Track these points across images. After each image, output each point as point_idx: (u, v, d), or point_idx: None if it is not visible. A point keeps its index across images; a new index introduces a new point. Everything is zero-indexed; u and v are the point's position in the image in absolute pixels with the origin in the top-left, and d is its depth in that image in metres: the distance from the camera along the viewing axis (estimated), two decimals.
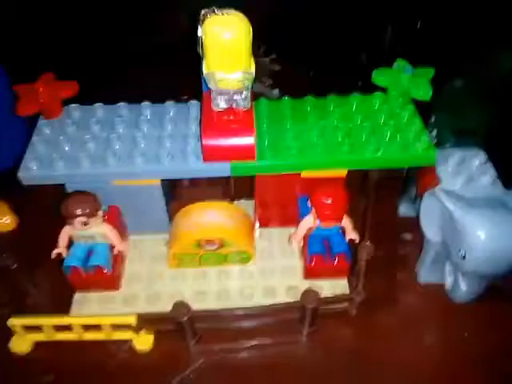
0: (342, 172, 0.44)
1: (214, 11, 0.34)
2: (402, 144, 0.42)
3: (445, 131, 0.57)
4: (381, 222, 0.51)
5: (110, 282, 0.45)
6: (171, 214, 0.48)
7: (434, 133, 0.58)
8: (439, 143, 0.56)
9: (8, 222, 0.53)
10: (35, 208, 0.53)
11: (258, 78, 0.39)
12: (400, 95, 0.44)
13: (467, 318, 0.46)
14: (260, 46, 0.54)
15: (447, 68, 0.55)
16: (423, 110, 0.45)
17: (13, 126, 0.55)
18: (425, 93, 0.43)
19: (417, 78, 0.44)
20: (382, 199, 0.54)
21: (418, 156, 0.42)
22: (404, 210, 0.53)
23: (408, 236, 0.52)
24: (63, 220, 0.44)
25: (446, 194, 0.40)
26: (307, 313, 0.43)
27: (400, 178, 0.51)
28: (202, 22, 0.34)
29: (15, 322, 0.42)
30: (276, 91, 0.64)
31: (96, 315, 0.42)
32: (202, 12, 0.34)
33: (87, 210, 0.41)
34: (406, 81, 0.43)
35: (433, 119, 0.58)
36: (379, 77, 0.44)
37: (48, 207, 0.52)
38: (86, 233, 0.43)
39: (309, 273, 0.46)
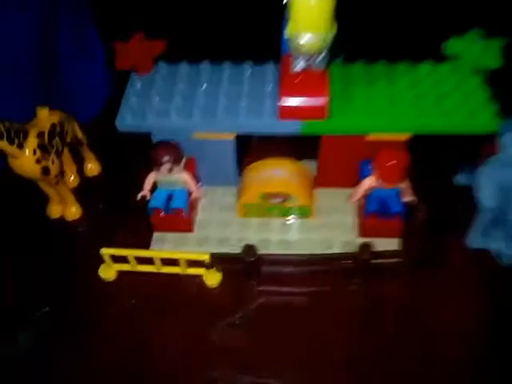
0: (405, 136, 0.47)
1: None
2: (468, 111, 0.44)
3: None
4: (438, 188, 0.54)
5: (186, 224, 0.50)
6: (241, 169, 0.52)
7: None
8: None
9: (93, 167, 0.60)
10: (118, 156, 0.59)
11: None
12: (471, 64, 0.46)
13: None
14: None
15: None
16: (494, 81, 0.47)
17: (100, 76, 0.62)
18: (496, 61, 0.44)
19: (488, 47, 0.45)
20: (440, 166, 0.56)
21: (483, 123, 0.44)
22: (461, 178, 0.55)
23: (462, 204, 0.54)
24: (142, 168, 0.50)
25: (505, 163, 0.42)
26: (360, 263, 0.47)
27: (461, 148, 0.53)
28: None
29: (105, 251, 0.48)
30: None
31: (173, 251, 0.48)
32: None
33: (173, 158, 0.46)
34: (478, 49, 0.45)
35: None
36: (451, 45, 0.46)
37: (129, 156, 0.59)
38: (169, 179, 0.48)
39: (364, 230, 0.50)
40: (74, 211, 0.56)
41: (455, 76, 0.46)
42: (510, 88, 0.47)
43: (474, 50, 0.45)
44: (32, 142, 0.47)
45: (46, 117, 0.50)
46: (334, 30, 0.38)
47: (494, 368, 0.44)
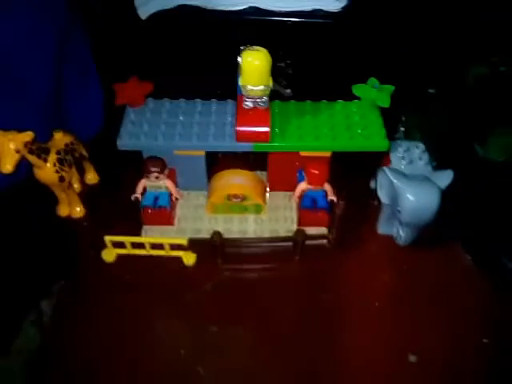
0: (327, 153, 0.65)
1: (248, 47, 0.55)
2: (368, 136, 0.62)
3: (412, 129, 0.78)
4: (356, 191, 0.72)
5: (168, 218, 0.67)
6: (210, 177, 0.70)
7: (403, 129, 0.79)
8: (407, 137, 0.77)
9: (92, 177, 0.76)
10: (114, 168, 0.75)
11: (275, 79, 0.59)
12: (369, 103, 0.65)
13: (409, 257, 0.68)
14: (280, 53, 0.74)
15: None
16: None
17: (97, 106, 0.78)
18: (386, 102, 0.63)
19: (381, 92, 0.64)
20: (358, 174, 0.75)
21: (377, 145, 0.62)
22: (373, 184, 0.74)
23: (374, 201, 0.73)
24: (136, 175, 0.66)
25: (391, 171, 0.61)
26: (298, 244, 0.65)
27: (371, 161, 0.72)
28: (241, 53, 0.55)
29: (107, 238, 0.64)
30: (288, 90, 0.84)
31: (160, 238, 0.65)
32: (242, 47, 0.55)
33: (159, 169, 0.63)
34: (373, 93, 0.64)
35: (403, 119, 0.79)
36: (356, 89, 0.65)
37: (124, 168, 0.75)
38: (155, 184, 0.65)
39: (301, 221, 0.68)
40: (78, 210, 0.71)
41: (359, 111, 0.65)
42: (394, 120, 0.66)
43: (372, 93, 0.64)
44: (53, 157, 0.63)
45: (61, 138, 0.66)
46: (271, 83, 0.56)
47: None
